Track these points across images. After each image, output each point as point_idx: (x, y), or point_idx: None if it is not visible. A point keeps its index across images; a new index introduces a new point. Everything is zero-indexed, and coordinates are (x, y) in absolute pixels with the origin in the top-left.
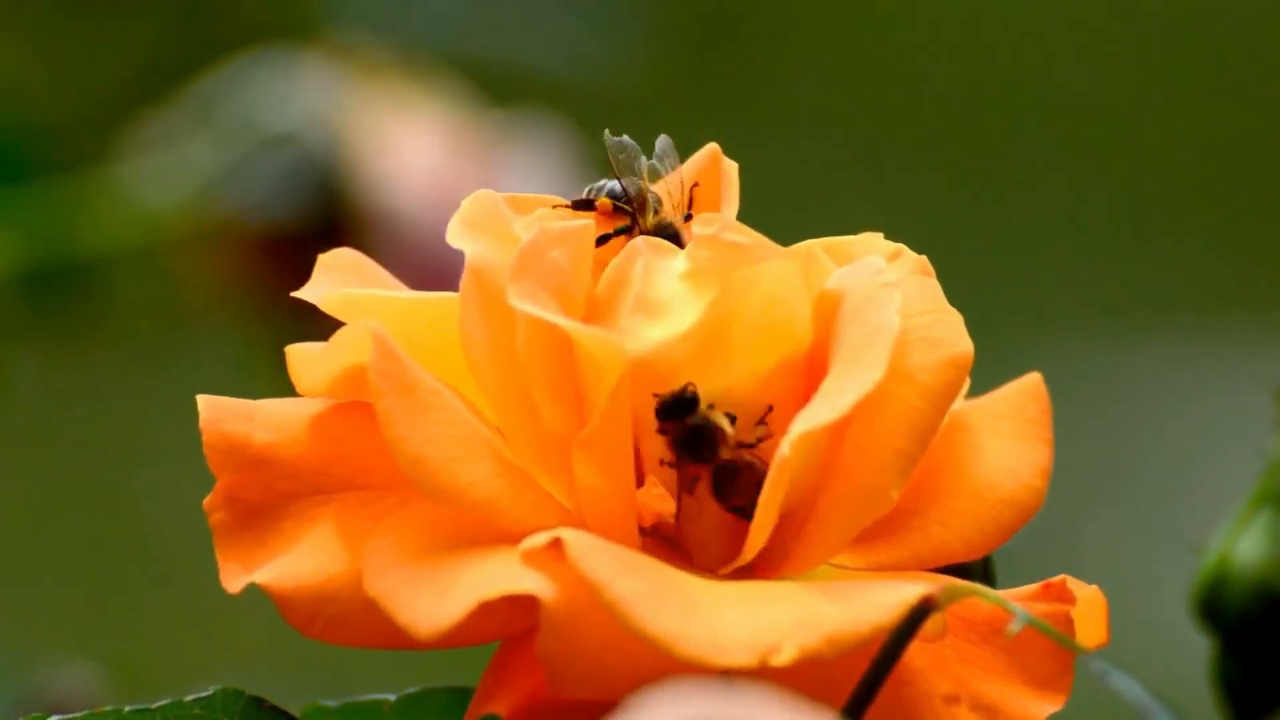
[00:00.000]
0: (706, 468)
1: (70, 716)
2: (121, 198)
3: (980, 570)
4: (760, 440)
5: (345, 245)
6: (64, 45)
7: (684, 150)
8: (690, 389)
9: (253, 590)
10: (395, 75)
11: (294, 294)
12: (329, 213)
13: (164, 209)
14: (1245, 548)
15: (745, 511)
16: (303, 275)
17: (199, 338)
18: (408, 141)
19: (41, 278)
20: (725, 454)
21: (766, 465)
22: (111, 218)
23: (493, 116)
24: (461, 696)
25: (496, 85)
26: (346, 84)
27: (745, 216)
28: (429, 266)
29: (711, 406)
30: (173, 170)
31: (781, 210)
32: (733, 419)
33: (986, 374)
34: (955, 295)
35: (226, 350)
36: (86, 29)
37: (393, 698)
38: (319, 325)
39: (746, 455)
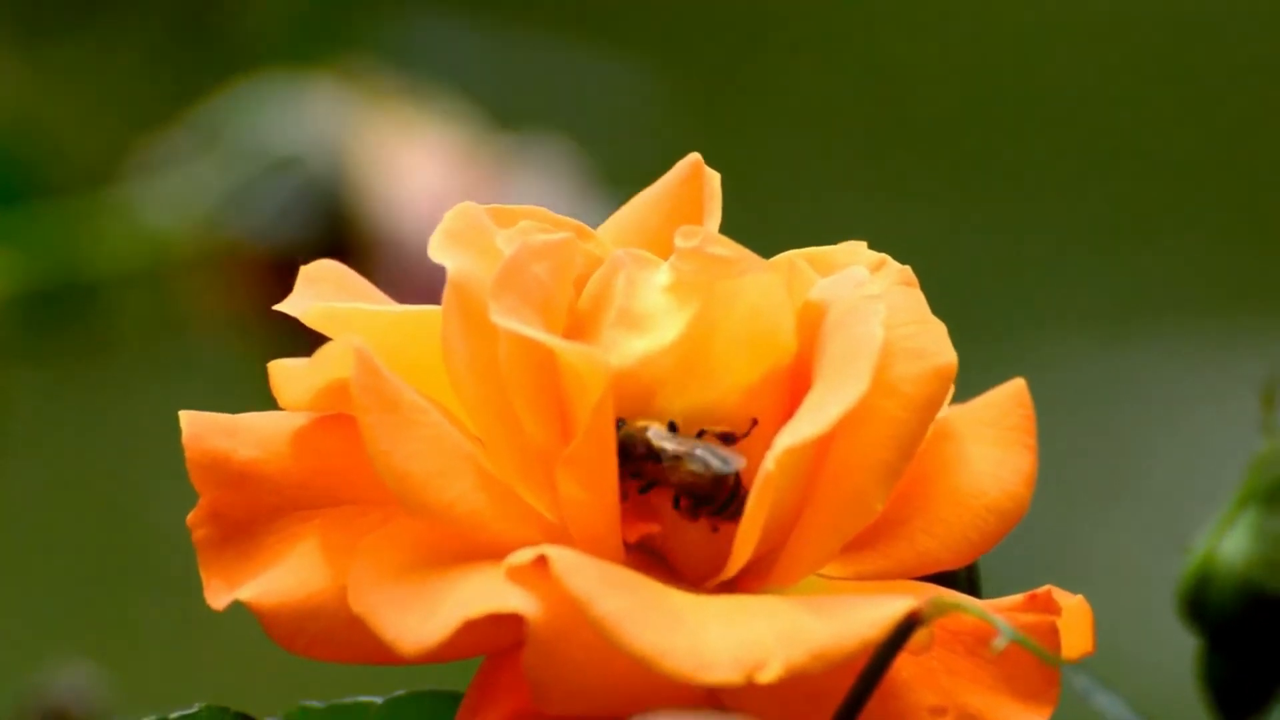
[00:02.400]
0: (639, 480)
1: None
2: (128, 219)
3: (966, 577)
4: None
5: (351, 269)
6: (71, 67)
7: (677, 158)
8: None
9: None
10: (402, 99)
11: (276, 307)
12: (335, 236)
13: (170, 231)
14: (1229, 547)
15: (719, 516)
16: None
17: (202, 358)
18: (414, 165)
19: (47, 298)
20: (650, 469)
21: (708, 478)
22: (118, 239)
23: (499, 140)
24: (448, 701)
25: (503, 109)
26: (354, 108)
27: (744, 219)
28: (435, 290)
29: (644, 428)
30: (179, 192)
31: (779, 210)
32: (674, 427)
33: (986, 375)
34: (955, 296)
35: (229, 370)
36: (94, 50)
37: (379, 700)
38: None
39: (680, 471)
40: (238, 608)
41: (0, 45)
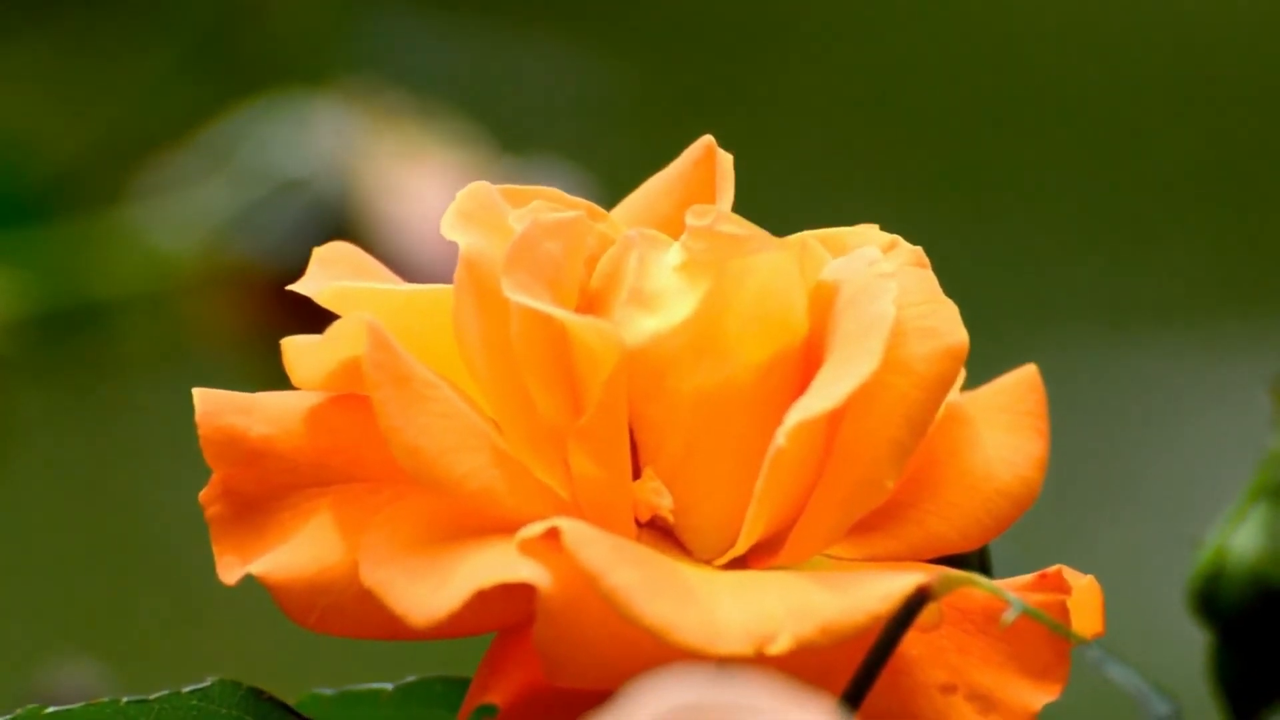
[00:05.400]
0: None
1: (67, 708)
2: (135, 240)
3: (977, 562)
4: None
5: None
6: (77, 87)
7: (679, 148)
8: None
9: (254, 589)
10: (409, 120)
11: (290, 287)
12: None
13: (177, 252)
14: (1241, 541)
15: None
16: (315, 320)
17: (208, 378)
18: (421, 187)
19: (55, 318)
20: None
21: None
22: (125, 260)
23: (505, 162)
24: (458, 686)
25: (508, 130)
26: (360, 129)
27: (740, 212)
28: None
29: None
30: (186, 213)
31: (778, 207)
32: None
33: (987, 374)
34: (955, 295)
35: (235, 390)
36: (100, 71)
37: (390, 687)
38: None
39: None
40: (242, 612)
41: (9, 67)
